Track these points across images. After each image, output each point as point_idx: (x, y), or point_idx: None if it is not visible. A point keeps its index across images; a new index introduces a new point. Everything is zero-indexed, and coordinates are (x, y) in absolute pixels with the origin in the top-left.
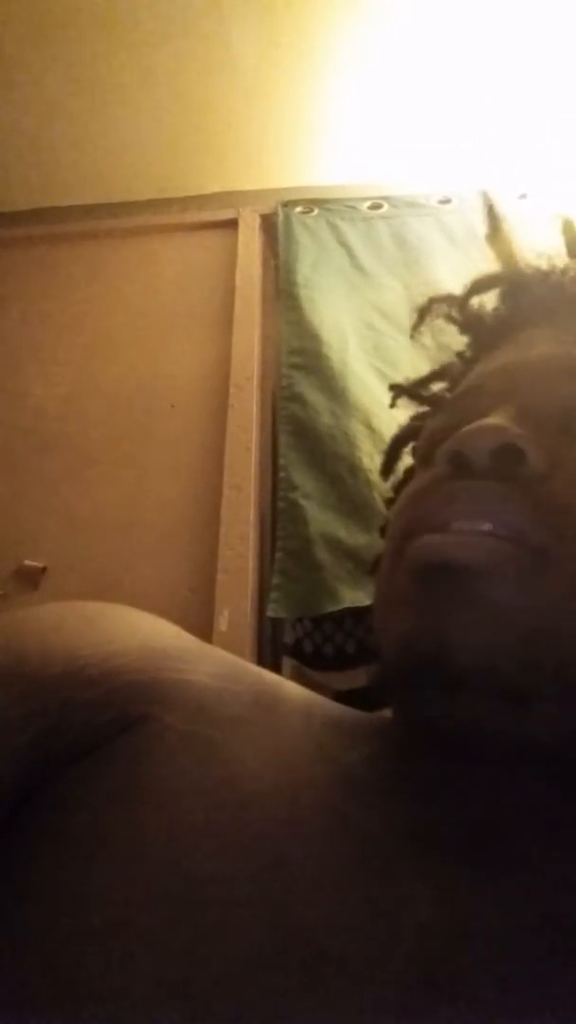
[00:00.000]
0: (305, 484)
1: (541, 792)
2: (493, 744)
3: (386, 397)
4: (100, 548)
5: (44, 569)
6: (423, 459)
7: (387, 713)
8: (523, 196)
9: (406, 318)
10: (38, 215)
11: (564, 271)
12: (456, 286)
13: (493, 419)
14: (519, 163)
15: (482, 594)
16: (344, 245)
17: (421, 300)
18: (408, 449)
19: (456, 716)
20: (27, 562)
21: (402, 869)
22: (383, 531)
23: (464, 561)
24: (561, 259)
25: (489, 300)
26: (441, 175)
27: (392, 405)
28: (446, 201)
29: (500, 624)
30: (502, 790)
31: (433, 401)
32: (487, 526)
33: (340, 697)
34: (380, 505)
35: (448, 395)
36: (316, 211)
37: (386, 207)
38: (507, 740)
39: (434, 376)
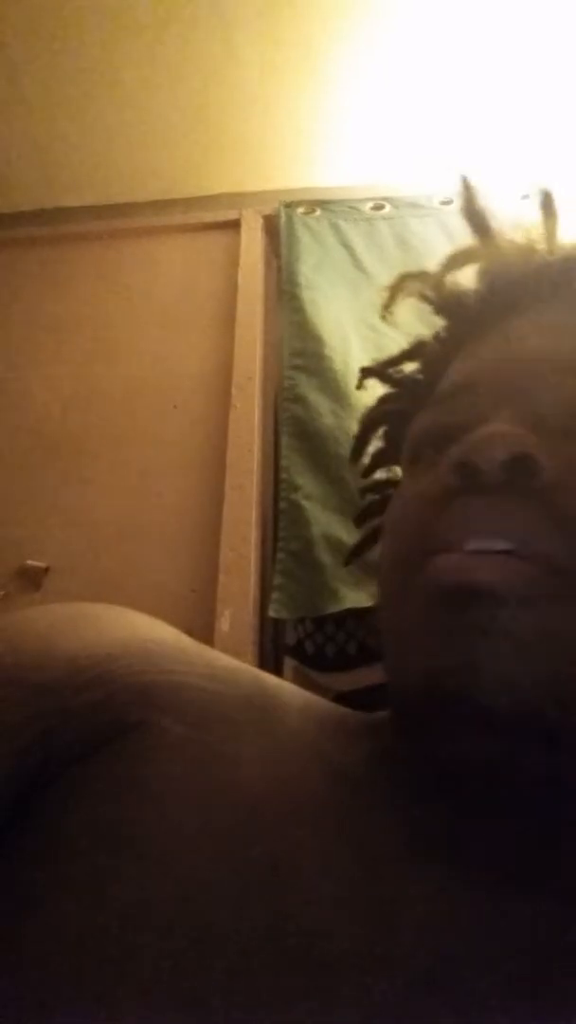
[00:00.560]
0: (307, 485)
1: (542, 796)
2: (520, 785)
3: None
4: (102, 548)
5: (46, 569)
6: (411, 459)
7: (386, 714)
8: (526, 197)
9: (407, 319)
10: (41, 216)
11: (548, 249)
12: None
13: (501, 425)
14: (521, 164)
15: (510, 623)
16: (346, 246)
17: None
18: (379, 433)
19: (488, 758)
20: (29, 562)
21: (400, 871)
22: (358, 522)
23: (488, 586)
24: (540, 232)
25: (466, 277)
26: (443, 176)
27: (359, 386)
28: (448, 202)
29: (531, 656)
30: (500, 792)
31: (404, 383)
32: (507, 546)
33: (341, 698)
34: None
35: (420, 376)
36: (318, 212)
37: (388, 208)
38: (535, 781)
39: (405, 356)
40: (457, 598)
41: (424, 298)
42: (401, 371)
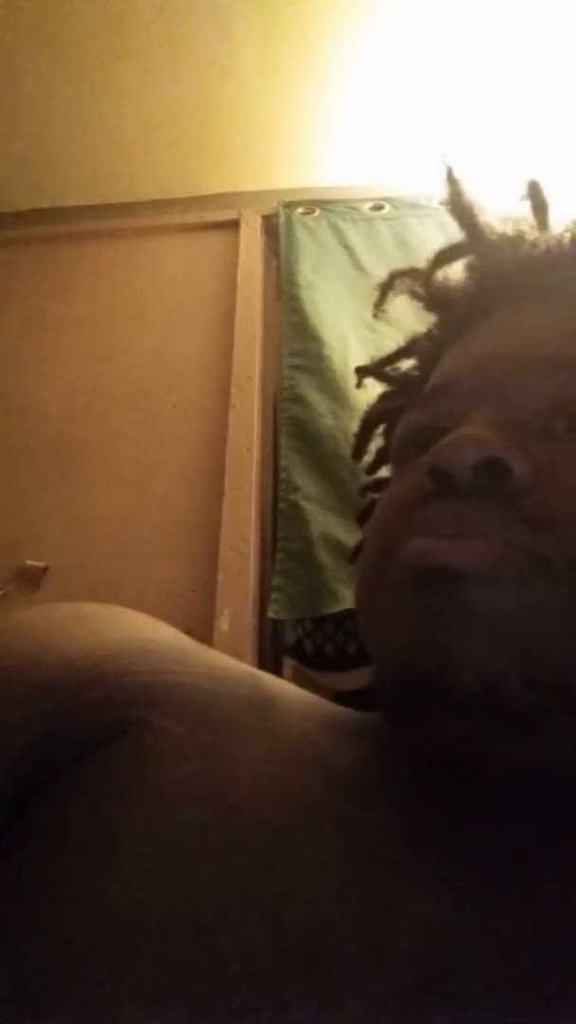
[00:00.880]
0: (306, 486)
1: (539, 796)
2: (494, 769)
3: None
4: (102, 548)
5: (45, 569)
6: (397, 460)
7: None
8: (525, 198)
9: (407, 320)
10: (40, 215)
11: (533, 244)
12: None
13: (472, 428)
14: (521, 164)
15: (483, 604)
16: (345, 246)
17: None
18: (380, 431)
19: (459, 739)
20: (29, 562)
21: (399, 871)
22: (360, 520)
23: (461, 565)
24: (528, 225)
25: (457, 272)
26: (442, 176)
27: (358, 385)
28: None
29: (502, 636)
30: (498, 791)
31: (401, 381)
32: (479, 544)
33: (340, 698)
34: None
35: (416, 373)
36: (318, 212)
37: (388, 208)
38: (509, 765)
39: (401, 354)
40: (427, 580)
41: (414, 295)
42: (398, 369)
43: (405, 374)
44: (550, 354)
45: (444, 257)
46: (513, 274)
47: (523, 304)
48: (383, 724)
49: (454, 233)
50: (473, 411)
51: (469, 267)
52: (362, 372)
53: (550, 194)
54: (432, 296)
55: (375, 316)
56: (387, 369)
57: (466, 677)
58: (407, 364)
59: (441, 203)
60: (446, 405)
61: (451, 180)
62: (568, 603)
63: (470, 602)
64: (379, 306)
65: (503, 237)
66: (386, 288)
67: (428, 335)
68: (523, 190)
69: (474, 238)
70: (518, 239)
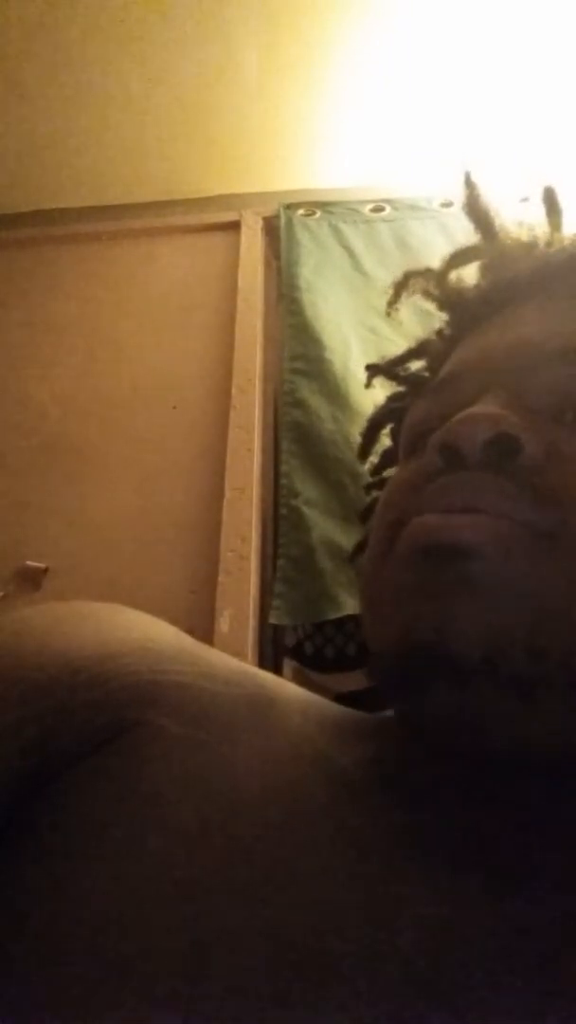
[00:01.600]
0: (307, 491)
1: (540, 791)
2: (494, 742)
3: None
4: (102, 549)
5: (46, 570)
6: (407, 450)
7: (387, 714)
8: (525, 200)
9: (407, 322)
10: (40, 217)
11: (548, 243)
12: None
13: (484, 407)
14: (522, 166)
15: (488, 576)
16: (346, 248)
17: (422, 304)
18: (387, 431)
19: (459, 709)
20: (29, 563)
21: (399, 872)
22: (364, 516)
23: (467, 541)
24: (543, 230)
25: (469, 275)
26: (443, 178)
27: (367, 385)
28: (448, 204)
29: (506, 608)
30: (500, 790)
31: (411, 381)
32: (486, 518)
33: (340, 699)
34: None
35: (427, 374)
36: (318, 214)
37: (388, 210)
38: (510, 738)
39: (411, 355)
40: (433, 554)
41: (428, 295)
42: (407, 369)
43: (415, 374)
44: (559, 347)
45: (459, 259)
46: (526, 275)
47: (533, 302)
48: (389, 728)
49: (455, 235)
50: (483, 397)
51: (483, 268)
52: (372, 371)
53: (564, 199)
54: (446, 296)
55: (387, 314)
56: (397, 369)
57: (468, 645)
58: (417, 365)
59: (442, 204)
60: (456, 394)
61: (469, 184)
62: (573, 580)
63: (475, 575)
64: (392, 304)
65: (517, 241)
66: (400, 287)
67: (439, 334)
68: (539, 194)
69: (490, 241)
70: (532, 244)
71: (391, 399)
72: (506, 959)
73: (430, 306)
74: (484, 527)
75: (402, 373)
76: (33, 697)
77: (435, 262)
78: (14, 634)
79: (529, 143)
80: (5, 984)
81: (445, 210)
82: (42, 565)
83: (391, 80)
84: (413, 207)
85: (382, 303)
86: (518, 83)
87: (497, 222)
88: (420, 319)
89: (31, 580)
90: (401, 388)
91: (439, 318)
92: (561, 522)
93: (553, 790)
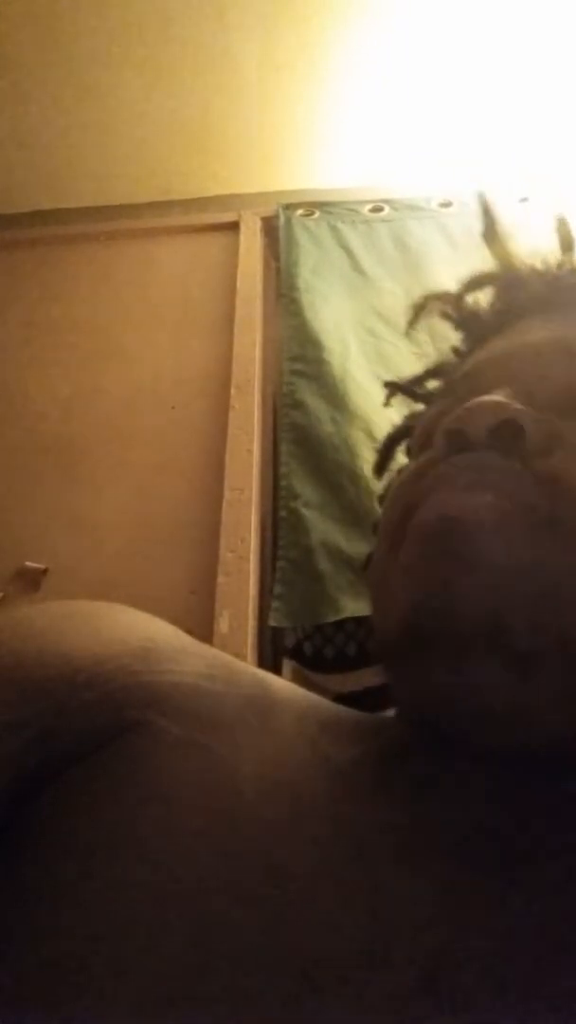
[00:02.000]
0: (306, 493)
1: (540, 789)
2: (493, 717)
3: None
4: (101, 549)
5: (45, 570)
6: (419, 447)
7: (387, 714)
8: (524, 200)
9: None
10: (40, 217)
11: (560, 265)
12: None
13: (491, 396)
14: (520, 167)
15: (491, 554)
16: (345, 248)
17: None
18: (402, 448)
19: (460, 678)
20: (28, 563)
21: (399, 870)
22: (376, 528)
23: (473, 520)
24: (556, 257)
25: (484, 298)
26: (442, 178)
27: (387, 404)
28: (447, 204)
29: (507, 586)
30: (500, 788)
31: (428, 399)
32: (490, 496)
33: (340, 700)
34: (378, 509)
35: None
36: (317, 214)
37: (387, 210)
38: (508, 709)
39: (429, 374)
40: (439, 532)
41: (445, 316)
42: (425, 387)
43: (432, 393)
44: (564, 347)
45: (476, 283)
46: (536, 294)
47: (542, 316)
48: (390, 728)
49: (454, 235)
50: (493, 392)
51: (498, 290)
52: (392, 388)
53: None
54: (462, 316)
55: (405, 334)
56: (415, 388)
57: (470, 617)
58: (434, 384)
59: (441, 204)
60: (467, 393)
61: (487, 213)
62: (571, 562)
63: (480, 552)
64: (412, 326)
65: (532, 269)
66: (419, 309)
67: (455, 352)
68: (538, 195)
69: (505, 269)
70: (544, 269)
71: (408, 418)
72: (508, 958)
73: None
74: (488, 505)
75: (420, 392)
76: (33, 697)
77: (433, 262)
78: (14, 634)
79: (528, 143)
80: (5, 984)
81: (444, 210)
82: (41, 566)
83: (390, 80)
84: (412, 207)
85: (381, 303)
86: (517, 83)
87: (513, 251)
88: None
89: (30, 581)
90: (419, 406)
91: (448, 335)
92: (565, 506)
93: (552, 786)
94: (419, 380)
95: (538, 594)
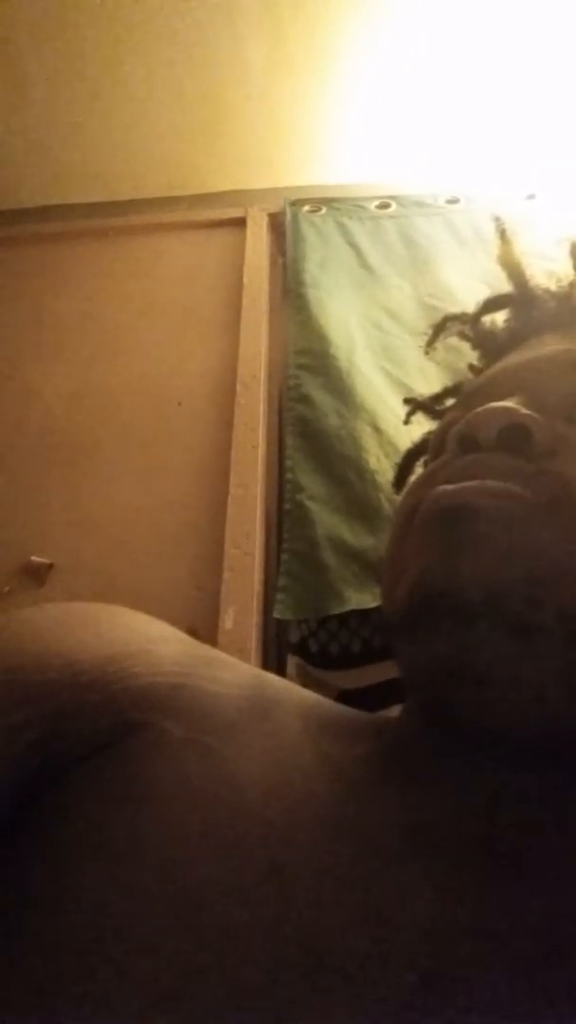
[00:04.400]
0: (312, 486)
1: (542, 787)
2: (494, 687)
3: (392, 398)
4: (107, 545)
5: (51, 566)
6: (433, 455)
7: (388, 713)
8: (531, 196)
9: (413, 318)
10: (45, 212)
11: (573, 284)
12: (464, 286)
13: (501, 403)
14: (527, 163)
15: (493, 535)
16: (352, 244)
17: (428, 300)
18: (421, 463)
19: (462, 650)
20: (34, 558)
21: (401, 869)
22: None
23: (480, 504)
24: (568, 277)
25: (500, 317)
26: (449, 175)
27: (406, 421)
28: (454, 201)
29: (506, 564)
30: (502, 788)
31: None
32: (494, 484)
33: (344, 696)
34: (386, 507)
35: None
36: (324, 210)
37: (394, 206)
38: (508, 680)
39: (448, 392)
40: (448, 516)
41: (463, 336)
42: (444, 404)
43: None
44: (573, 359)
45: (492, 305)
46: (553, 311)
47: (555, 333)
48: (392, 727)
49: (461, 231)
50: (505, 399)
51: (514, 311)
52: (413, 406)
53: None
54: (478, 335)
55: (425, 353)
56: (435, 405)
57: (472, 589)
58: (452, 402)
59: (448, 201)
60: (479, 402)
61: (504, 239)
62: (569, 545)
63: (483, 533)
64: (431, 344)
65: (546, 289)
66: (439, 330)
67: (472, 369)
68: (542, 192)
69: (521, 291)
70: (559, 290)
71: (427, 435)
72: (509, 954)
73: (436, 302)
74: (491, 493)
75: (439, 408)
76: (35, 699)
77: (440, 259)
78: (16, 635)
79: (535, 139)
80: (5, 984)
81: (451, 207)
82: (47, 561)
83: (397, 77)
84: (419, 204)
85: (387, 299)
86: (524, 80)
87: (528, 274)
88: (425, 314)
89: (36, 576)
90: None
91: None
92: (562, 498)
93: (554, 786)
94: (438, 398)
95: (534, 573)
